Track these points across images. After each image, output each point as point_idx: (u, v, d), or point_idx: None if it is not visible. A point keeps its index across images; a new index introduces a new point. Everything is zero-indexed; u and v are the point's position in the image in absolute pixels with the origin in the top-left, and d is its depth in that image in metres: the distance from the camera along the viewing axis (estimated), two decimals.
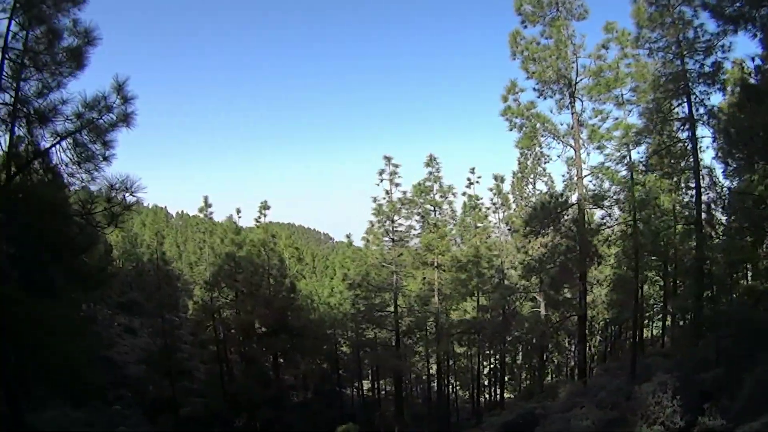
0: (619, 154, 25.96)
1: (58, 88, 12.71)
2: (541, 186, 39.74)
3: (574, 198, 27.96)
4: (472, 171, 39.38)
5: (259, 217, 38.92)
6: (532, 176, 39.14)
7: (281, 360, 39.21)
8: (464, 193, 38.98)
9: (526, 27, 26.85)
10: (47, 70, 12.65)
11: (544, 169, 39.09)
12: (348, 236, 41.76)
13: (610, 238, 27.79)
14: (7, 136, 12.44)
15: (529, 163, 38.81)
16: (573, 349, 42.70)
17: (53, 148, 12.47)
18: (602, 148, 26.23)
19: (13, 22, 12.26)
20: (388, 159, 33.93)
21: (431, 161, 34.99)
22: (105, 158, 12.46)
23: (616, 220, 28.08)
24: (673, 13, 23.38)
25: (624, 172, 26.00)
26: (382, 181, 34.32)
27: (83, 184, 12.42)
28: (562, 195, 28.37)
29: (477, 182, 39.19)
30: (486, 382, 46.79)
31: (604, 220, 28.00)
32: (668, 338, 34.87)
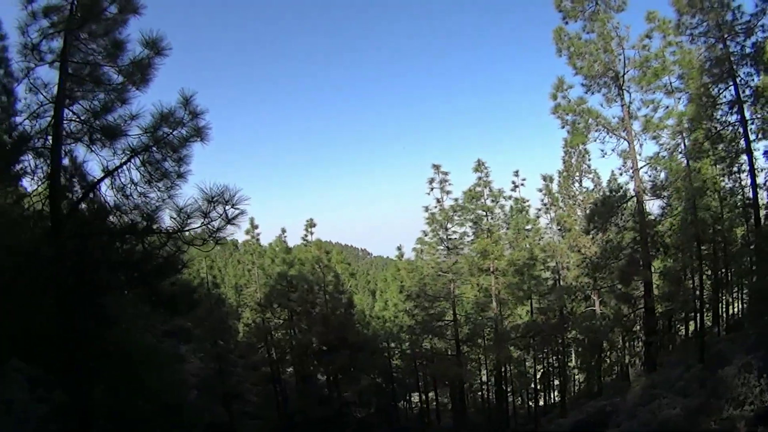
0: (674, 142, 25.80)
1: (123, 104, 12.34)
2: (587, 183, 39.50)
3: (631, 191, 27.79)
4: (516, 174, 39.37)
5: (306, 235, 39.01)
6: (577, 174, 38.90)
7: (339, 376, 39.04)
8: (509, 197, 38.79)
9: (567, 23, 26.95)
10: (110, 84, 12.38)
11: (589, 167, 38.86)
12: (399, 248, 41.83)
13: (673, 227, 27.58)
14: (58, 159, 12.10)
15: (573, 161, 38.55)
16: (626, 346, 42.29)
17: (123, 167, 11.90)
18: (657, 137, 26.12)
19: (70, 35, 12.03)
20: (437, 167, 33.87)
21: (480, 166, 34.69)
22: (180, 175, 11.98)
23: (672, 209, 27.91)
24: None
25: (680, 161, 25.85)
26: (432, 189, 34.29)
27: (157, 203, 11.71)
28: (619, 188, 28.19)
29: (522, 185, 39.14)
30: (539, 386, 46.37)
31: (665, 210, 27.87)
32: (723, 326, 34.40)
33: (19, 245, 11.31)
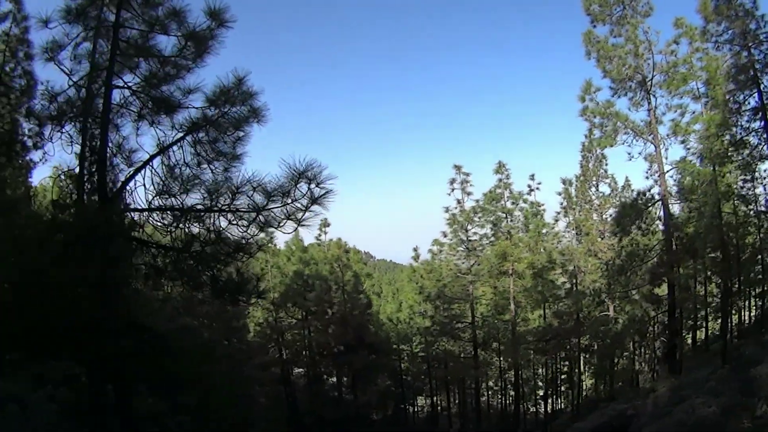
0: (701, 147, 25.97)
1: (178, 78, 11.61)
2: (604, 188, 39.60)
3: (656, 194, 27.97)
4: (532, 177, 39.32)
5: (320, 235, 38.80)
6: (594, 179, 39.00)
7: (355, 378, 38.91)
8: (525, 200, 38.84)
9: (595, 26, 27.18)
10: (165, 56, 11.57)
11: (606, 171, 38.95)
12: (415, 249, 41.71)
13: (700, 232, 27.69)
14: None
15: (591, 165, 38.66)
16: (637, 352, 42.39)
17: (175, 145, 11.30)
18: (686, 141, 26.36)
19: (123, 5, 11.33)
20: (458, 168, 34.05)
21: (500, 168, 34.80)
22: (236, 156, 11.32)
23: (698, 213, 28.05)
24: (735, 4, 23.56)
25: (705, 166, 26.02)
26: (453, 190, 34.49)
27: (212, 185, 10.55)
28: (645, 192, 28.34)
29: (537, 188, 39.20)
30: (549, 391, 46.33)
31: (691, 214, 28.05)
32: (734, 333, 34.51)
33: (64, 224, 10.98)
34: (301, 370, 42.88)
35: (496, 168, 34.93)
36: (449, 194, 34.71)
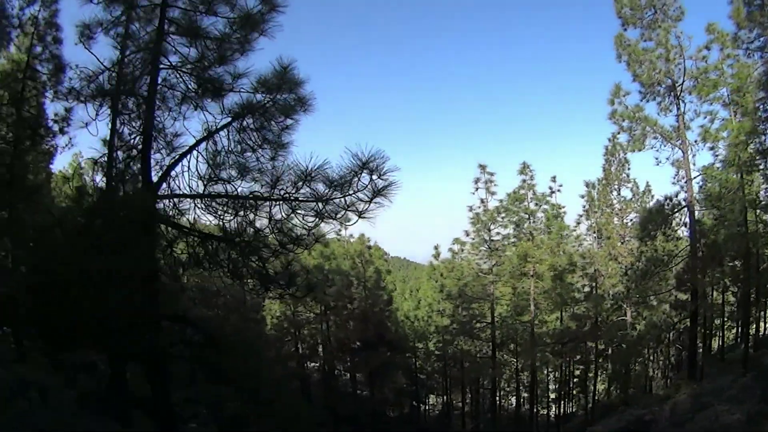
0: (729, 154, 25.86)
1: (225, 62, 11.40)
2: (626, 192, 39.45)
3: (682, 200, 27.90)
4: (553, 179, 39.19)
5: (340, 230, 38.72)
6: (616, 183, 38.90)
7: (374, 375, 38.91)
8: (547, 202, 38.76)
9: (626, 29, 27.09)
10: (214, 38, 11.36)
11: (628, 176, 38.88)
12: (436, 248, 41.51)
13: (725, 240, 27.58)
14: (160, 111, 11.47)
15: (613, 169, 38.61)
16: (651, 359, 42.38)
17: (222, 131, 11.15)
18: (715, 148, 26.30)
19: None
20: (482, 167, 34.13)
21: (525, 169, 34.77)
22: (282, 145, 11.20)
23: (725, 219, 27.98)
24: (766, 12, 23.46)
25: (733, 174, 25.91)
26: (477, 189, 34.58)
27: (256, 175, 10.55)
28: (671, 198, 28.25)
29: (558, 190, 39.07)
30: (562, 394, 46.22)
31: (717, 221, 27.96)
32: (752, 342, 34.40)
33: (109, 206, 10.68)
34: (315, 364, 42.90)
35: (521, 168, 34.90)
36: (473, 193, 34.80)
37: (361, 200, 9.26)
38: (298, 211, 9.74)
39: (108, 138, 12.08)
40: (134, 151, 11.73)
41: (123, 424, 13.10)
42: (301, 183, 9.47)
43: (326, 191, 9.38)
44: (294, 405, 14.63)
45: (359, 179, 9.14)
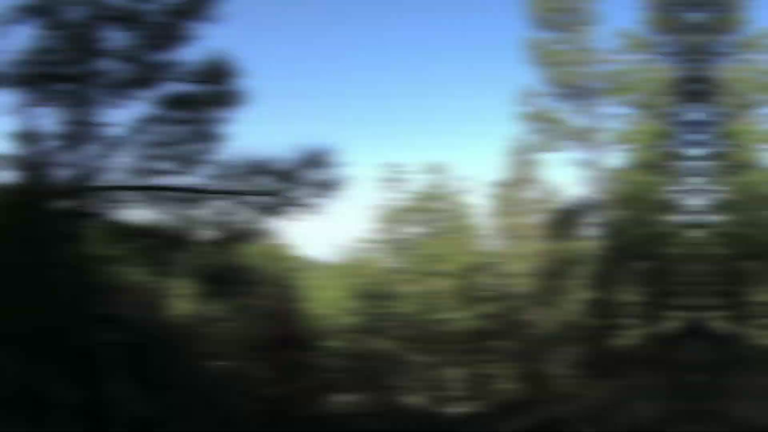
0: (639, 156, 26.28)
1: (161, 50, 11.00)
2: (535, 193, 39.76)
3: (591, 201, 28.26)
4: (463, 179, 39.22)
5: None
6: (526, 183, 39.22)
7: (268, 373, 38.20)
8: (457, 201, 38.77)
9: (540, 31, 27.21)
10: (153, 24, 10.84)
11: (538, 176, 39.26)
12: (346, 246, 41.16)
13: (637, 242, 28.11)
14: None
15: (524, 169, 38.94)
16: (560, 356, 43.08)
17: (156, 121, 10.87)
18: (627, 150, 26.72)
19: None
20: (390, 164, 33.96)
21: (435, 166, 34.84)
22: (219, 137, 11.12)
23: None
24: (679, 18, 23.93)
25: (643, 176, 26.34)
26: (385, 188, 34.33)
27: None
28: (582, 198, 28.65)
29: (469, 190, 39.00)
30: (466, 392, 46.54)
31: (626, 222, 28.46)
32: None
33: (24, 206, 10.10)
34: (223, 363, 41.86)
35: (432, 167, 34.83)
36: (381, 192, 34.85)
37: (307, 194, 9.20)
38: (243, 206, 9.65)
39: (32, 128, 11.09)
40: (62, 142, 10.94)
41: (36, 425, 12.26)
42: (242, 177, 9.40)
43: (270, 185, 9.26)
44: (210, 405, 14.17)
45: (306, 173, 9.59)
